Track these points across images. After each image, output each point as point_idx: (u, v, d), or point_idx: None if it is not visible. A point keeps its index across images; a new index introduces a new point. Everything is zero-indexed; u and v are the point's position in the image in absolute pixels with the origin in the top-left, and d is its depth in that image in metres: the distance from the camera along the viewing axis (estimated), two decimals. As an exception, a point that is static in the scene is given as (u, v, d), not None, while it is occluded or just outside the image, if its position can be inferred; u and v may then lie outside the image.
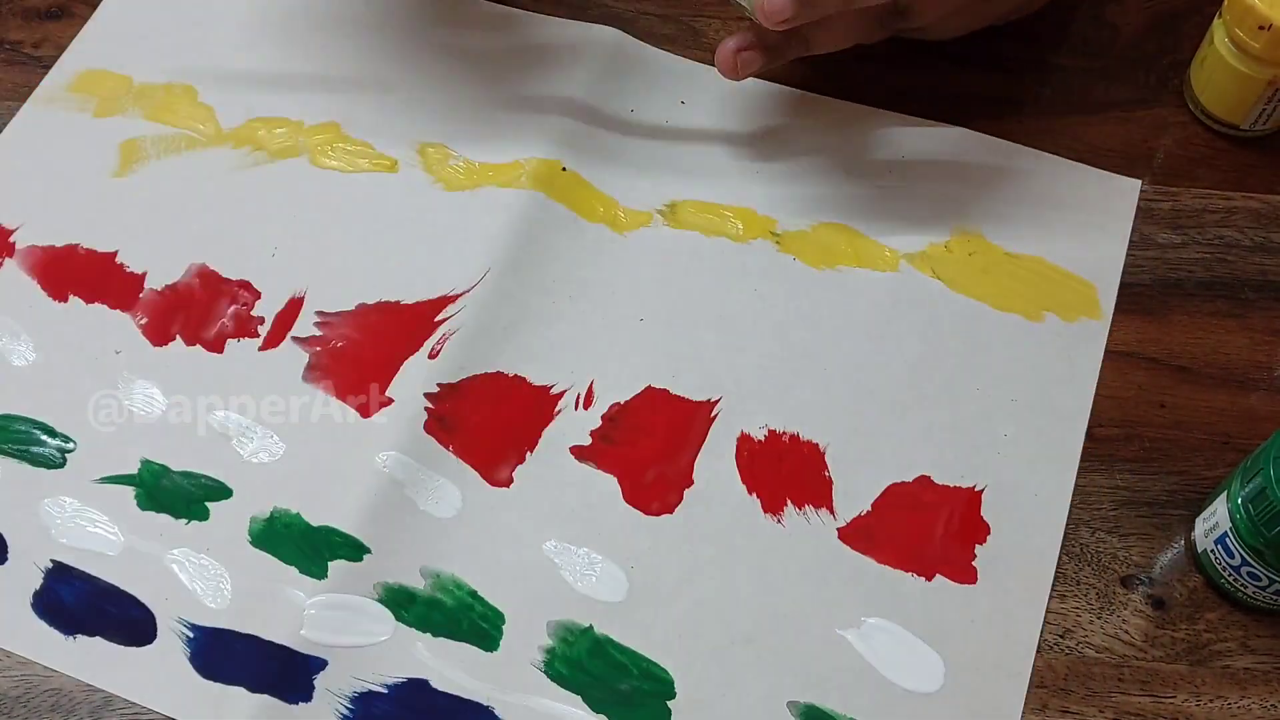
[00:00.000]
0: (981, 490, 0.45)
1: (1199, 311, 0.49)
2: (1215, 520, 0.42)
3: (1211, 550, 0.42)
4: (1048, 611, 0.43)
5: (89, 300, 0.50)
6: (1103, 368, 0.47)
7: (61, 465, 0.46)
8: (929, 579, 0.44)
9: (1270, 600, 0.42)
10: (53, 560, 0.44)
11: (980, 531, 0.44)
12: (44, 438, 0.47)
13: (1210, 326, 0.48)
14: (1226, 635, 0.43)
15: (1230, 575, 0.42)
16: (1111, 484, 0.45)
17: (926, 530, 0.44)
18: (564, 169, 0.52)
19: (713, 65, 0.54)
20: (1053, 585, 0.43)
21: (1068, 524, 0.44)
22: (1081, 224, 0.50)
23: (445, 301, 0.49)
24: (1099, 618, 0.43)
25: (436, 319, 0.48)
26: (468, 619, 0.43)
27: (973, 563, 0.44)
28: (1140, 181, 0.51)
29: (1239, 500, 0.40)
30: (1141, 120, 0.53)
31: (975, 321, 0.48)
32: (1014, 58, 0.54)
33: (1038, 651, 0.42)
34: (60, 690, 0.42)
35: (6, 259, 0.51)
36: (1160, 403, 0.47)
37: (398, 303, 0.49)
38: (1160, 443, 0.46)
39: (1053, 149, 0.52)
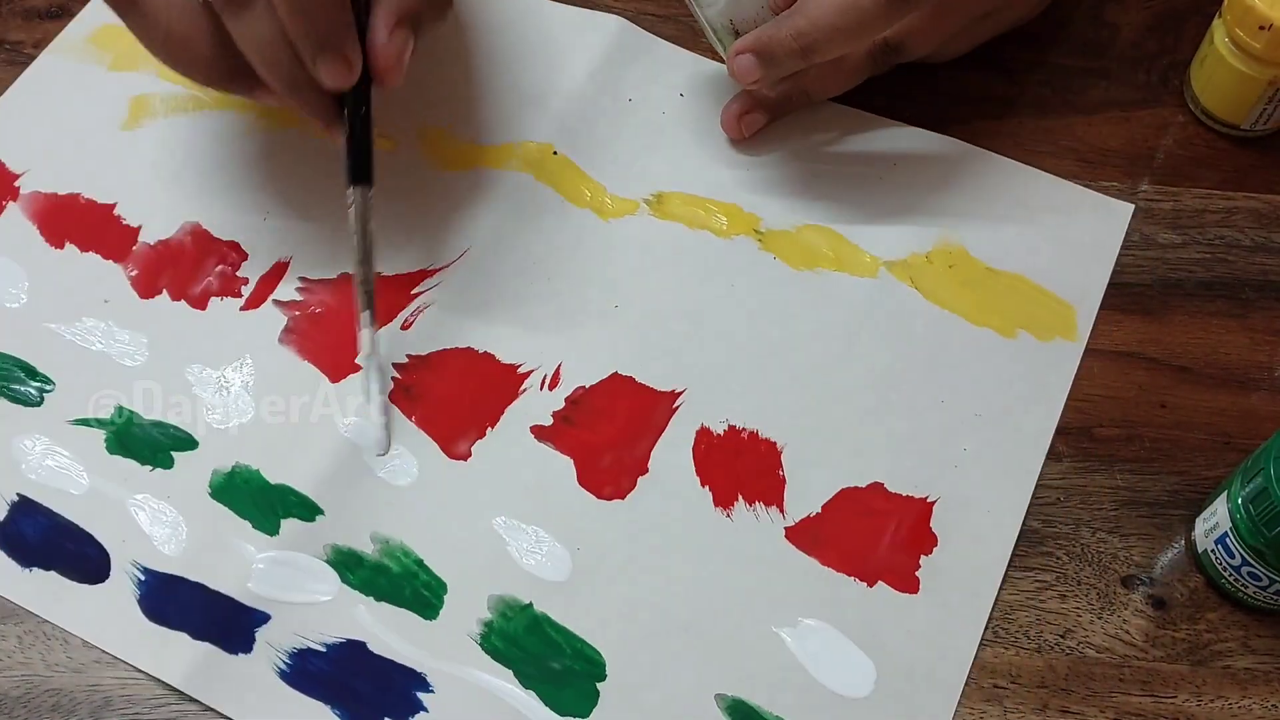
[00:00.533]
0: (934, 502, 0.45)
1: (1199, 311, 0.48)
2: (1216, 520, 0.42)
3: (1212, 550, 0.42)
4: (1048, 611, 0.43)
5: (84, 249, 0.51)
6: (1103, 368, 0.47)
7: (39, 404, 0.48)
8: (870, 585, 0.43)
9: (1271, 600, 0.41)
10: (19, 494, 0.46)
11: (927, 543, 0.44)
12: (25, 376, 0.48)
13: (1210, 326, 0.48)
14: (1227, 635, 0.43)
15: (1231, 575, 0.42)
16: (1112, 484, 0.45)
17: (873, 537, 0.44)
18: (555, 152, 0.52)
19: (716, 60, 0.55)
20: (1053, 585, 0.43)
21: (1068, 523, 0.44)
22: (1069, 245, 0.50)
23: (423, 275, 0.49)
24: (1099, 618, 0.43)
25: (413, 291, 0.49)
26: (411, 586, 0.44)
27: (916, 573, 0.44)
28: (1133, 206, 0.51)
29: (1239, 500, 0.40)
30: (1141, 120, 0.53)
31: (947, 333, 0.48)
32: (1014, 58, 0.54)
33: (1038, 651, 0.42)
34: (61, 690, 0.43)
35: (10, 203, 0.52)
36: (1160, 403, 0.47)
37: (379, 274, 0.50)
38: (1160, 443, 0.46)
39: (1053, 149, 0.52)
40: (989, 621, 0.43)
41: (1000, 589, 0.43)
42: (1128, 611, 0.43)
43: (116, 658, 0.43)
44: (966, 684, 0.42)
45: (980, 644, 0.43)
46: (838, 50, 0.47)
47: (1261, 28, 0.46)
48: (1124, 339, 0.48)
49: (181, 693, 0.42)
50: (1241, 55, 0.48)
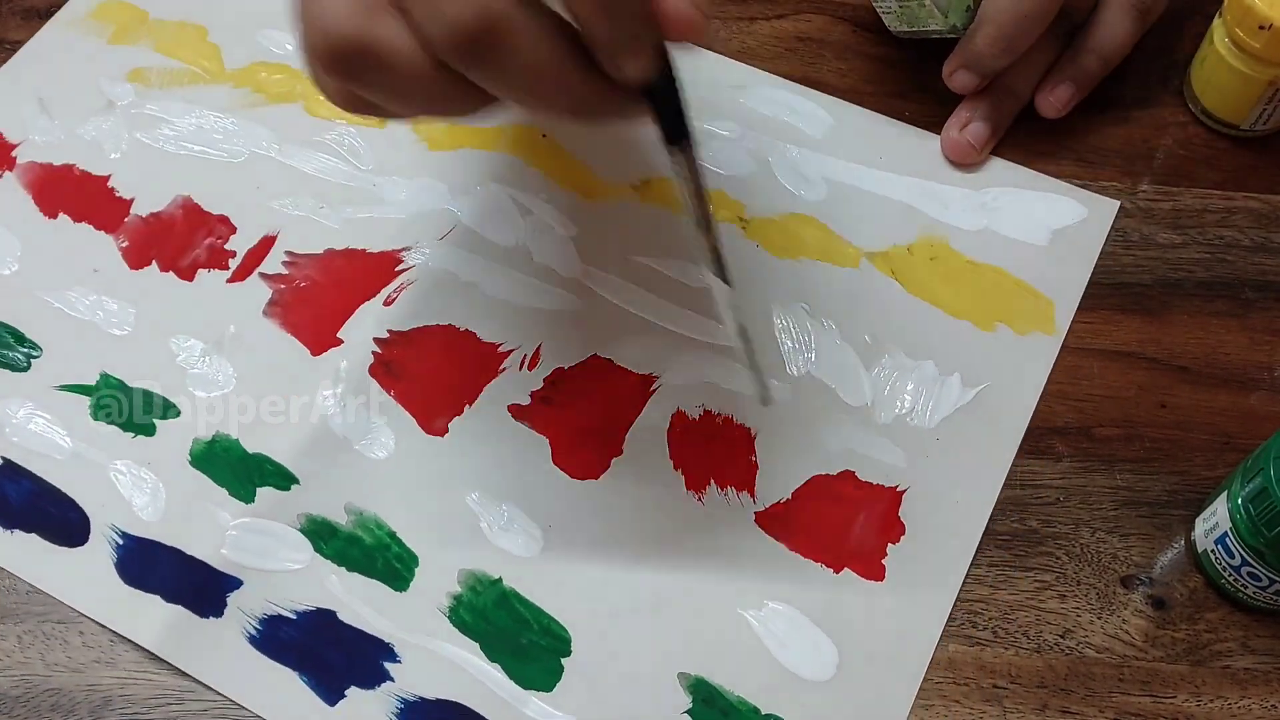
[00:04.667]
0: (903, 491, 0.45)
1: (1199, 311, 0.48)
2: (1215, 520, 0.42)
3: (1212, 550, 0.42)
4: (1048, 611, 0.43)
5: (76, 219, 0.52)
6: (1103, 368, 0.47)
7: (26, 369, 0.48)
8: (837, 571, 0.44)
9: (1270, 600, 0.41)
10: (3, 458, 0.47)
11: (895, 531, 0.44)
12: (13, 342, 0.49)
13: (1210, 326, 0.48)
14: (1227, 635, 0.43)
15: (1230, 575, 0.42)
16: (1111, 484, 0.45)
17: (842, 523, 0.44)
18: (544, 135, 0.53)
19: (704, 49, 0.55)
20: (1052, 585, 0.44)
21: (1068, 523, 0.45)
22: (1052, 240, 0.50)
23: (408, 253, 0.50)
24: (1099, 618, 0.43)
25: (397, 268, 0.50)
26: (383, 558, 0.44)
27: (883, 560, 0.44)
28: (1119, 203, 0.51)
29: (1239, 500, 0.40)
30: (1141, 120, 0.53)
31: (925, 325, 0.48)
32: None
33: (1038, 651, 0.42)
34: (60, 690, 0.43)
35: (6, 172, 0.53)
36: (1160, 403, 0.47)
37: (364, 250, 0.50)
38: (1160, 443, 0.46)
39: (1053, 149, 0.52)
40: (989, 621, 0.43)
41: (999, 588, 0.43)
42: (1127, 611, 0.43)
43: (96, 620, 0.44)
44: (966, 684, 0.42)
45: (979, 643, 0.43)
46: (1034, 34, 0.48)
47: (1261, 28, 0.46)
48: (1124, 339, 0.48)
49: (180, 692, 0.43)
50: (1241, 55, 0.48)
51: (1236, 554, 0.41)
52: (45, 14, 0.58)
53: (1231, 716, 0.41)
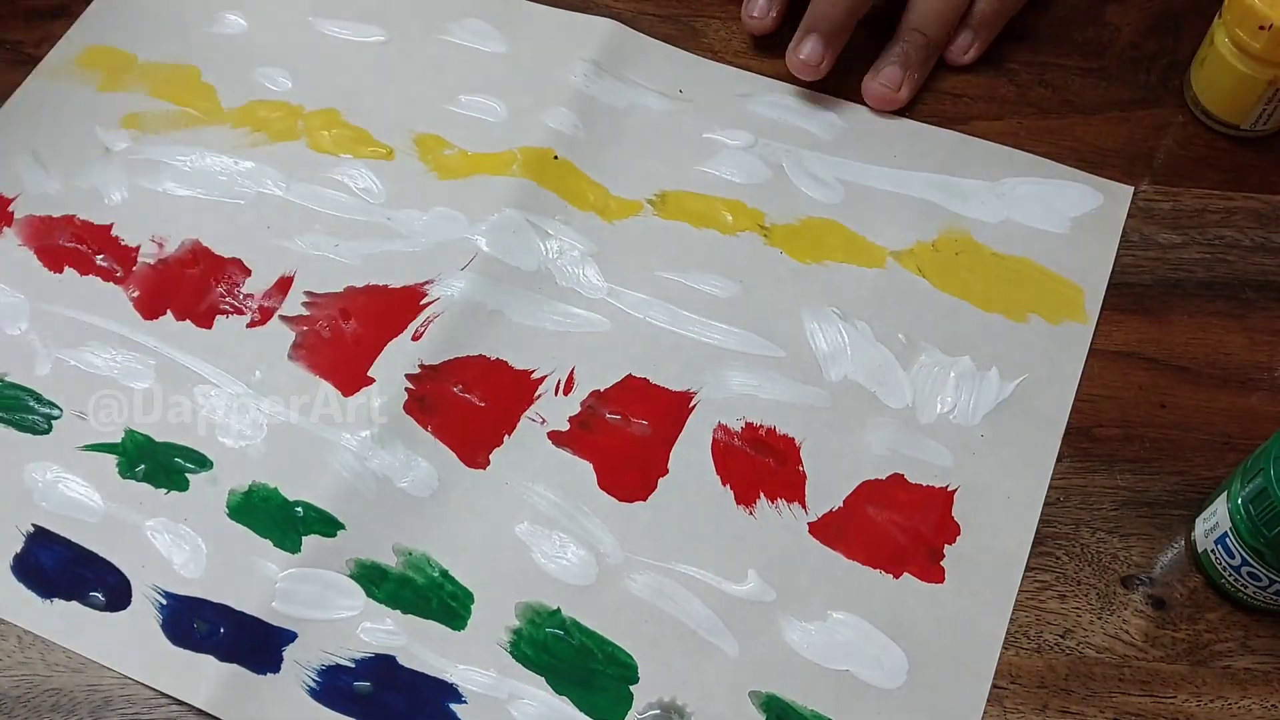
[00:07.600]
0: (954, 491, 0.45)
1: (1199, 311, 0.48)
2: (1215, 520, 0.42)
3: (1212, 550, 0.42)
4: (1048, 611, 0.43)
5: (83, 272, 0.50)
6: (1103, 368, 0.47)
7: (47, 432, 0.47)
8: (897, 576, 0.44)
9: (1270, 600, 0.42)
10: (34, 525, 0.45)
11: (951, 532, 0.44)
12: (32, 404, 0.47)
13: (1210, 326, 0.48)
14: (1227, 635, 0.43)
15: (1230, 575, 0.42)
16: (1112, 484, 0.45)
17: (897, 528, 0.44)
18: (556, 157, 0.52)
19: (711, 59, 0.55)
20: (1053, 585, 0.43)
21: (1068, 523, 0.44)
22: (1072, 228, 0.50)
23: (432, 285, 0.49)
24: (1099, 618, 0.43)
25: (422, 302, 0.49)
26: (437, 597, 0.44)
27: (941, 562, 0.44)
28: (1133, 188, 0.51)
29: (1239, 500, 0.40)
30: (1141, 120, 0.53)
31: (958, 320, 0.48)
32: (1014, 58, 0.54)
33: (1038, 651, 0.42)
34: (60, 690, 0.43)
35: (5, 228, 0.51)
36: (1160, 403, 0.47)
37: (385, 286, 0.49)
38: (1160, 443, 0.46)
39: (1053, 149, 0.52)
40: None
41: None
42: (1127, 611, 0.43)
43: (148, 685, 0.43)
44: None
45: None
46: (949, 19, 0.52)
47: (1261, 28, 0.46)
48: (1124, 339, 0.48)
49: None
50: (1241, 55, 0.48)
51: (1236, 554, 0.41)
52: (46, 14, 0.57)
53: (1231, 716, 0.41)
